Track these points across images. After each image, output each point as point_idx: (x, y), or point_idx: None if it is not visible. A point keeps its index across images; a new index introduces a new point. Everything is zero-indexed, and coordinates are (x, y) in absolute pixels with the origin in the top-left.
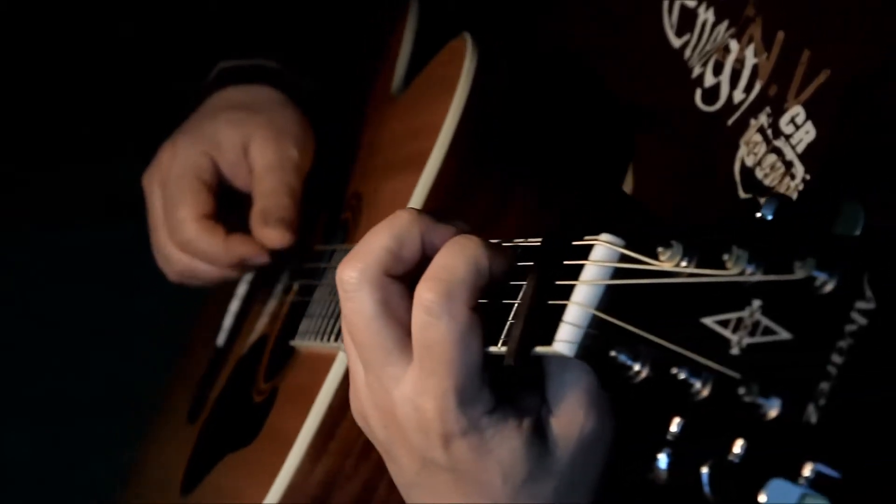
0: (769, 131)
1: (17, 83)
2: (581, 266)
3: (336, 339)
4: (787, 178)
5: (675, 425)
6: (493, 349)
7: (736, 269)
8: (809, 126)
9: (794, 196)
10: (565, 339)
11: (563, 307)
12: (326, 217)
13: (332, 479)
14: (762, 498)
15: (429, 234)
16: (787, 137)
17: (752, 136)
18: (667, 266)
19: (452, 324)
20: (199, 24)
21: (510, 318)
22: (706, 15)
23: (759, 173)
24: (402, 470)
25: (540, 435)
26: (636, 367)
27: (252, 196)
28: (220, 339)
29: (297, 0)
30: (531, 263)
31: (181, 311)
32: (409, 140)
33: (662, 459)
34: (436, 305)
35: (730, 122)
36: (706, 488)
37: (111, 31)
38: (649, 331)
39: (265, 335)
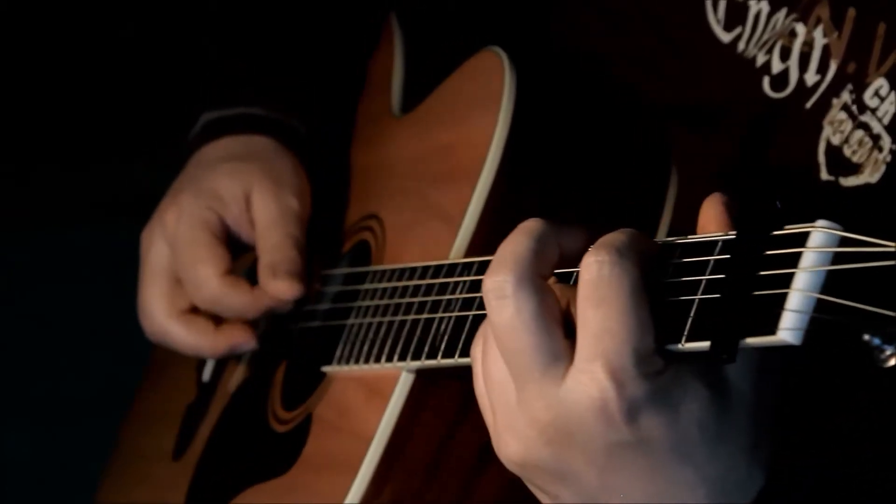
0: (854, 108)
1: (18, 84)
2: (797, 254)
3: (400, 360)
4: (875, 152)
5: None
6: (678, 347)
7: None
8: (894, 97)
9: (883, 168)
10: (790, 327)
11: (783, 296)
12: (328, 243)
13: (400, 499)
14: None
15: (563, 237)
16: (873, 111)
17: (837, 115)
18: None
19: (625, 276)
20: (201, 28)
21: (692, 314)
22: (759, 6)
23: (846, 151)
24: (580, 484)
25: (718, 373)
26: (889, 351)
27: (257, 250)
28: (206, 374)
29: (280, 35)
30: (710, 258)
31: None
32: (440, 156)
33: None
34: (607, 262)
35: (808, 104)
36: None
37: (112, 32)
38: None
39: (266, 366)
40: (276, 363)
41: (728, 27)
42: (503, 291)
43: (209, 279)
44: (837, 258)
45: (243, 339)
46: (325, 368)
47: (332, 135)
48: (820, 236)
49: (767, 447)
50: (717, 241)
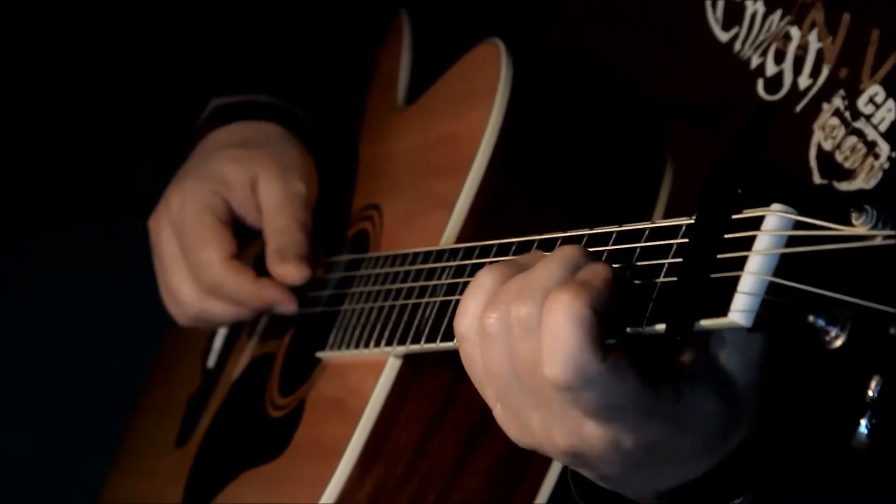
0: (847, 114)
1: (18, 83)
2: (751, 238)
3: (388, 344)
4: (871, 159)
5: (872, 389)
6: (638, 330)
7: None
8: (892, 104)
9: (880, 174)
10: (741, 309)
11: (735, 278)
12: (332, 230)
13: (381, 487)
14: None
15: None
16: (868, 118)
17: (828, 120)
18: (861, 230)
19: (596, 390)
20: (200, 28)
21: (654, 297)
22: (755, 6)
23: (838, 156)
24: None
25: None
26: (833, 332)
27: (264, 234)
28: (212, 361)
29: (287, 27)
30: (672, 241)
31: None
32: (438, 147)
33: (863, 424)
34: (574, 382)
35: (798, 108)
36: None
37: (112, 31)
38: (854, 294)
39: (267, 352)
40: (277, 350)
41: (726, 26)
42: (528, 323)
43: (213, 262)
44: (792, 241)
45: (280, 294)
46: (319, 354)
47: (338, 127)
48: (774, 220)
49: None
50: (680, 226)
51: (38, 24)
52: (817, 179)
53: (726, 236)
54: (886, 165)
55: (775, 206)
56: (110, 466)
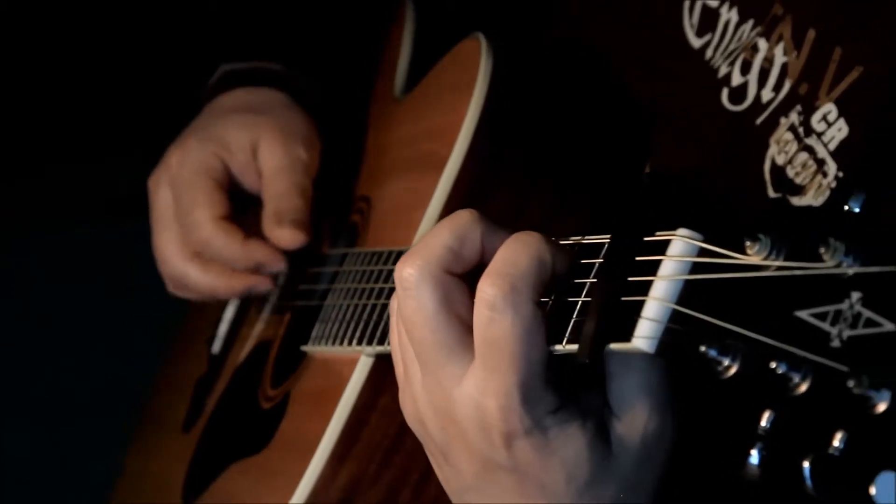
0: (800, 129)
1: (18, 83)
2: (658, 262)
3: (358, 344)
4: (819, 176)
5: (765, 420)
6: (557, 348)
7: (833, 261)
8: (842, 123)
9: (828, 193)
10: (645, 336)
11: (641, 303)
12: (331, 221)
13: (355, 484)
14: (873, 490)
15: (488, 236)
16: (819, 135)
17: (783, 134)
18: (755, 260)
19: (517, 319)
20: (201, 25)
21: (574, 316)
22: (729, 15)
23: (789, 172)
24: (458, 473)
25: (603, 436)
26: (726, 362)
27: (262, 198)
28: (216, 347)
29: (297, 4)
30: (596, 261)
31: (181, 311)
32: (422, 142)
33: (754, 455)
34: (500, 301)
35: (758, 121)
36: (808, 482)
37: (112, 31)
38: (741, 325)
39: (266, 341)
40: (274, 340)
41: (700, 33)
42: (407, 282)
43: (203, 222)
44: (697, 268)
45: (258, 280)
46: (304, 348)
47: (342, 110)
48: (679, 245)
49: (647, 494)
50: (603, 244)
51: (38, 25)
52: (772, 193)
53: (638, 259)
54: (834, 184)
55: (681, 231)
56: (132, 436)
